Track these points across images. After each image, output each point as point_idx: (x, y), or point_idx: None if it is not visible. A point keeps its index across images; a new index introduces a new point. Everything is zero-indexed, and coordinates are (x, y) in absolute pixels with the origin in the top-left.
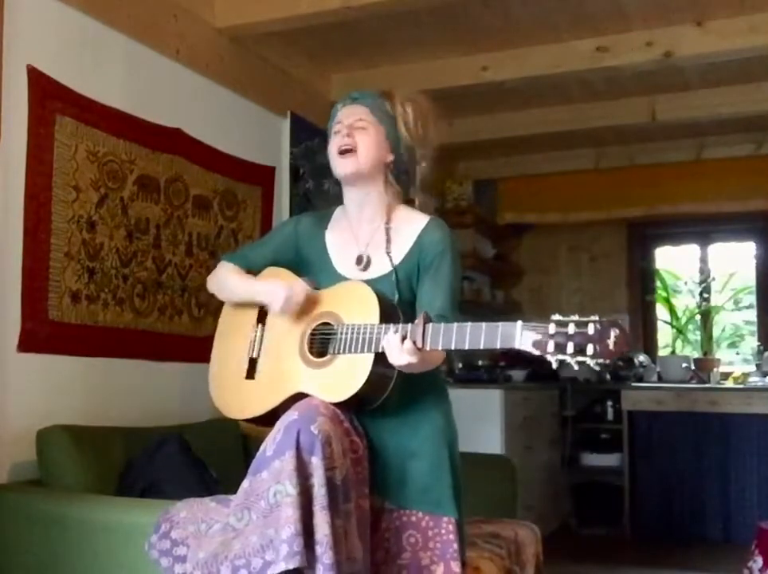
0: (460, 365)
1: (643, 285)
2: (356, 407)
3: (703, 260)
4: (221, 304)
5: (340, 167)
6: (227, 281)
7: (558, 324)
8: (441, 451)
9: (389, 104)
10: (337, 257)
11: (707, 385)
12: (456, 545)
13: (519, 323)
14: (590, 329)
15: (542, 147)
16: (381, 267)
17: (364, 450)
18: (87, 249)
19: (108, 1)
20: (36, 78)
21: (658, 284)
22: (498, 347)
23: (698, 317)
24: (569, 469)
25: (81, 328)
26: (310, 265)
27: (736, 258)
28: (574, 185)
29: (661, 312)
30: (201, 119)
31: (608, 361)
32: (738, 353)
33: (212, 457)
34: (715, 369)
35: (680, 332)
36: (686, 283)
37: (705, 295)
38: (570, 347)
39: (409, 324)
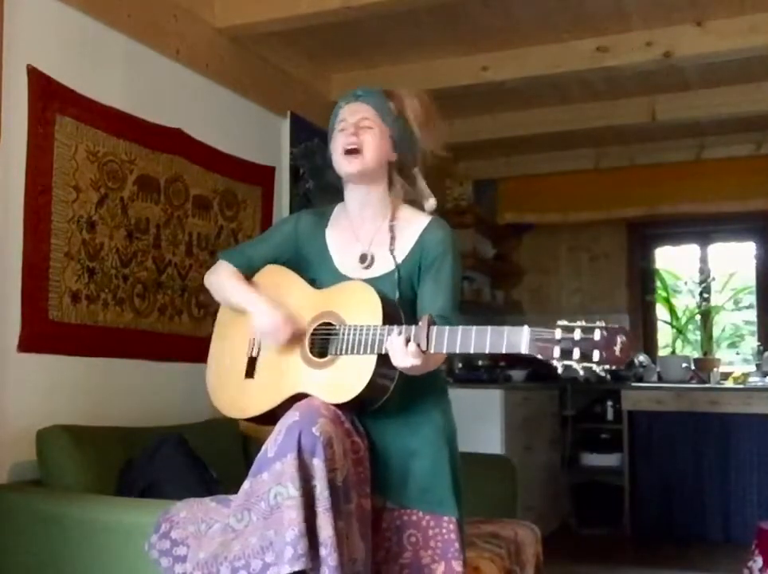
0: (460, 365)
1: (643, 285)
2: (357, 409)
3: (703, 260)
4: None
5: (345, 166)
6: (225, 285)
7: (565, 329)
8: (442, 450)
9: (393, 102)
10: (338, 255)
11: (707, 385)
12: (457, 544)
13: (526, 328)
14: (596, 335)
15: (542, 147)
16: (384, 265)
17: (365, 450)
18: (87, 249)
19: (108, 1)
20: (36, 78)
21: (658, 284)
22: (503, 352)
23: (698, 317)
24: (569, 469)
25: (81, 328)
26: (310, 263)
27: (736, 258)
28: (573, 185)
29: (661, 312)
30: (201, 119)
31: (614, 367)
32: (738, 353)
33: (212, 457)
34: (715, 369)
35: (680, 332)
36: (686, 283)
37: (705, 295)
38: (576, 353)
39: (413, 326)
